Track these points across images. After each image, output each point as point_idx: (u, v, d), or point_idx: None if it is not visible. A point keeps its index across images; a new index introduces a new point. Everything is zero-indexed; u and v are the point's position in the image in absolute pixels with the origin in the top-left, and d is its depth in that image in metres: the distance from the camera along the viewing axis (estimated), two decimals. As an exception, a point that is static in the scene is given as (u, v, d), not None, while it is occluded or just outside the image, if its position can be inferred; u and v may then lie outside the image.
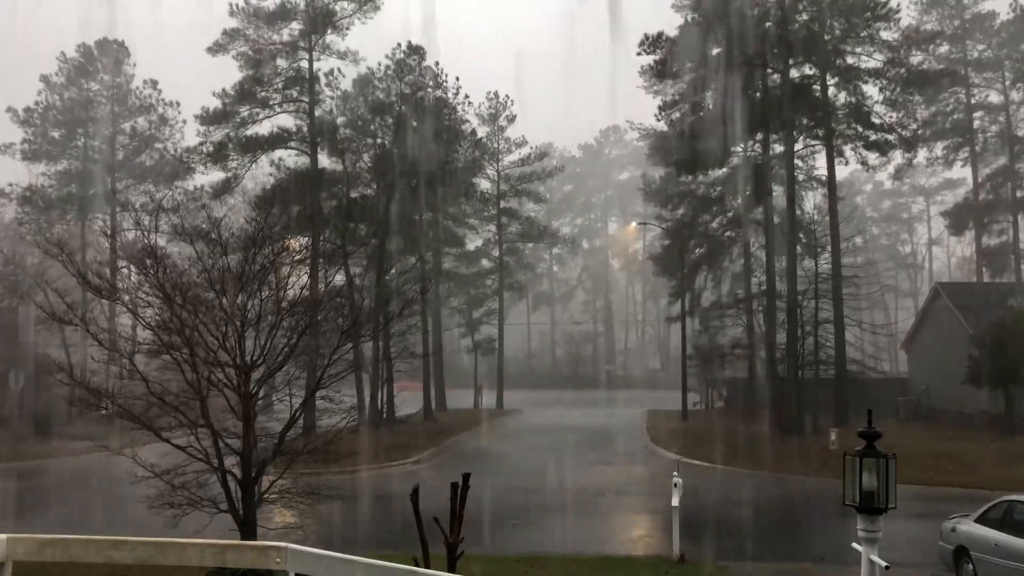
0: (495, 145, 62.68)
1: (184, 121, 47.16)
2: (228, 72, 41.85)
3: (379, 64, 44.28)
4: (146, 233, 14.53)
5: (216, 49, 39.78)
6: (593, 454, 31.79)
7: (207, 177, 43.22)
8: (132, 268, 14.57)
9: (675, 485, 15.34)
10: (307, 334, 14.07)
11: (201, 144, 41.31)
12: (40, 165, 47.45)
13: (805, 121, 39.10)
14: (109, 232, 32.62)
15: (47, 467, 29.40)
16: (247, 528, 12.56)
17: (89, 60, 47.29)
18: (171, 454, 13.08)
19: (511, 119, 62.35)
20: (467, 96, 55.74)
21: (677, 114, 40.58)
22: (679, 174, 43.55)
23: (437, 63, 45.86)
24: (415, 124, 42.51)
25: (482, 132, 60.35)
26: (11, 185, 47.41)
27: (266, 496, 13.07)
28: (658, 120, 43.30)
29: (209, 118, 39.78)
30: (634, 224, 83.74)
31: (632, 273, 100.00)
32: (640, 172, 70.49)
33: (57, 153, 47.10)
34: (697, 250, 49.75)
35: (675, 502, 15.03)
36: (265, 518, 13.44)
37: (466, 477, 8.00)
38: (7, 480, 26.01)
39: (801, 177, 41.87)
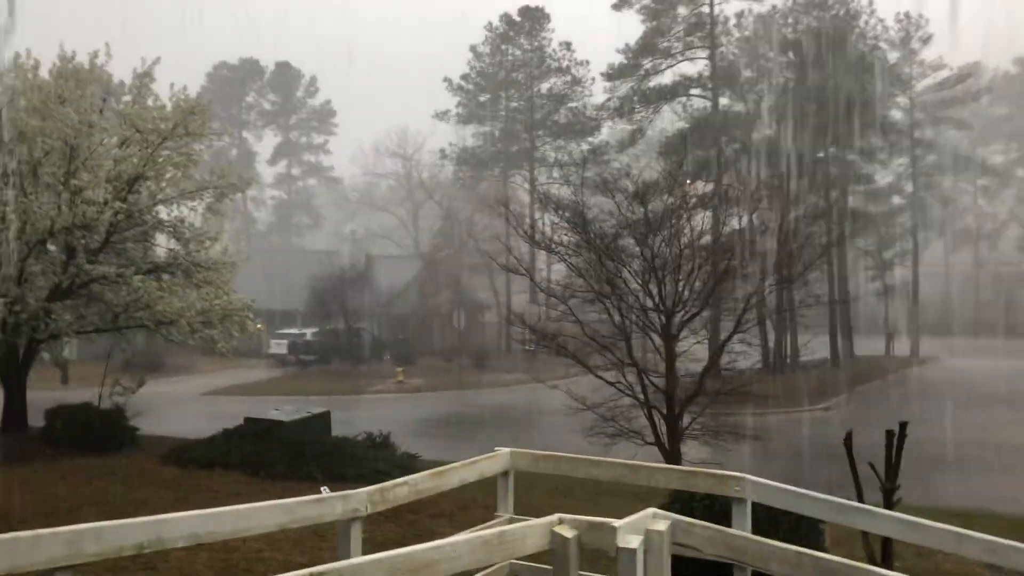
0: (908, 71, 57.69)
1: (593, 79, 49.81)
2: (631, 26, 43.26)
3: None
4: (573, 191, 15.91)
5: (620, 5, 41.24)
6: (1028, 409, 28.53)
7: (615, 130, 45.40)
8: (561, 221, 16.08)
9: None
10: (723, 279, 14.56)
11: (608, 100, 43.56)
12: (470, 127, 53.39)
13: None
14: (529, 187, 35.83)
15: (485, 396, 33.52)
16: (672, 460, 13.50)
17: (511, 27, 51.76)
18: (598, 389, 14.42)
19: (926, 40, 56.81)
20: (881, 20, 52.03)
21: None
22: None
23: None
24: (821, 58, 40.58)
25: (892, 57, 55.89)
26: (450, 144, 54.16)
27: (688, 431, 13.92)
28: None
29: (614, 74, 41.66)
30: (1084, 148, 71.96)
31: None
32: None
33: (484, 116, 52.55)
34: None
35: None
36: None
37: (903, 425, 7.98)
38: (451, 407, 30.20)
39: None
